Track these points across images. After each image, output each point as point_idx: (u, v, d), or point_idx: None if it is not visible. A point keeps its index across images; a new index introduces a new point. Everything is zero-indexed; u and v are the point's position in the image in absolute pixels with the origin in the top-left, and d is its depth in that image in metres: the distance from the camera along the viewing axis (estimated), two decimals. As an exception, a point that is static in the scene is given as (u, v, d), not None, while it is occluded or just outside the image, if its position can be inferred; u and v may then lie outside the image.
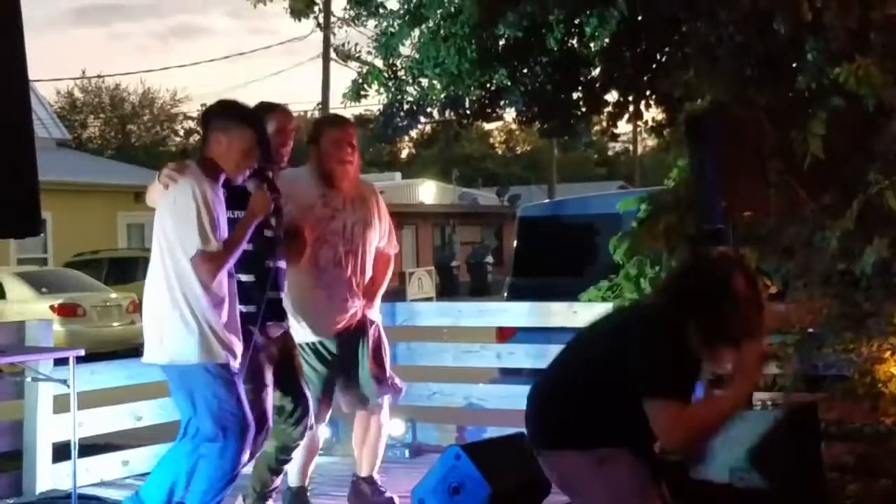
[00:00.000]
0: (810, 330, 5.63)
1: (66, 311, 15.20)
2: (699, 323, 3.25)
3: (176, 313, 4.15)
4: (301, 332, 4.83)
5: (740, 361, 3.28)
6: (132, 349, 14.49)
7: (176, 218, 4.16)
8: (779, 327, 5.45)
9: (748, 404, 3.95)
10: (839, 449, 5.13)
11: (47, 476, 5.36)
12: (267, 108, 4.75)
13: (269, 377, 4.50)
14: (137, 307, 14.61)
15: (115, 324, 15.79)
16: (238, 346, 4.27)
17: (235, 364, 4.24)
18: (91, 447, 5.68)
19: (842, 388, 5.43)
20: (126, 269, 19.05)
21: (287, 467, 4.81)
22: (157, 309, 4.22)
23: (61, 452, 5.29)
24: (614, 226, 7.98)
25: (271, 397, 4.51)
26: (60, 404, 5.28)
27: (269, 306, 4.51)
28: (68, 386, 4.83)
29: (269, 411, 4.47)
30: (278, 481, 4.80)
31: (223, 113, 4.38)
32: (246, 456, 4.28)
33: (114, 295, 16.33)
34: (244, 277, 4.43)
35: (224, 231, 4.21)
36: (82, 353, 4.91)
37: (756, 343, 3.31)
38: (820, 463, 4.67)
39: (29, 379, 5.19)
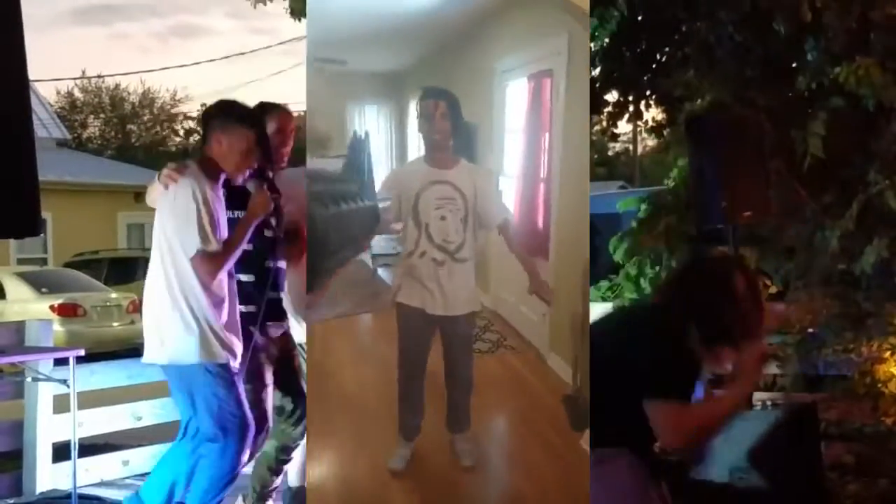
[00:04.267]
0: (810, 330, 5.63)
1: (66, 311, 15.17)
2: (699, 323, 3.25)
3: (176, 313, 4.14)
4: (301, 332, 4.82)
5: (740, 362, 3.29)
6: (132, 349, 14.49)
7: (176, 217, 4.15)
8: (779, 327, 5.45)
9: (748, 405, 3.94)
10: (839, 449, 5.13)
11: (47, 476, 5.35)
12: (267, 108, 4.74)
13: (269, 377, 4.49)
14: (137, 307, 14.59)
15: (115, 324, 15.75)
16: (238, 346, 4.26)
17: (235, 364, 4.23)
18: (91, 447, 5.67)
19: (842, 388, 5.43)
20: (126, 269, 19.00)
21: (287, 467, 4.81)
22: (157, 309, 4.21)
23: (61, 452, 5.28)
24: (614, 226, 7.98)
25: (271, 397, 4.50)
26: (60, 404, 5.27)
27: (269, 306, 4.50)
28: (68, 386, 4.83)
29: (269, 411, 4.46)
30: (278, 481, 4.79)
31: (223, 113, 4.36)
32: (246, 456, 4.27)
33: (114, 295, 16.29)
34: (244, 277, 4.42)
35: (224, 231, 4.20)
36: (82, 352, 4.91)
37: (756, 343, 3.31)
38: (820, 463, 4.67)
39: (29, 379, 5.18)
